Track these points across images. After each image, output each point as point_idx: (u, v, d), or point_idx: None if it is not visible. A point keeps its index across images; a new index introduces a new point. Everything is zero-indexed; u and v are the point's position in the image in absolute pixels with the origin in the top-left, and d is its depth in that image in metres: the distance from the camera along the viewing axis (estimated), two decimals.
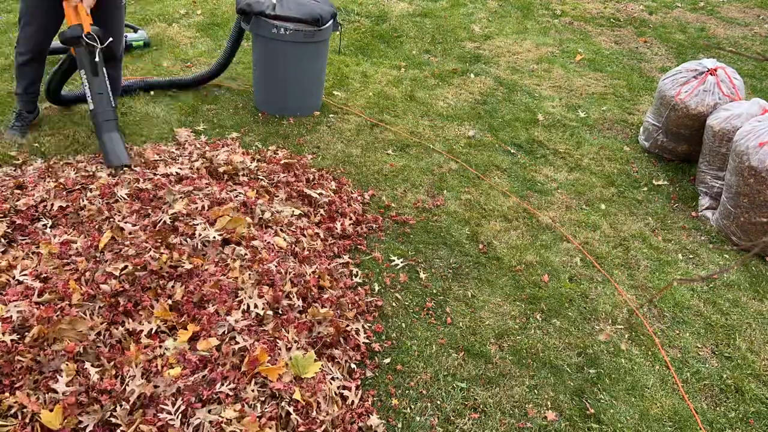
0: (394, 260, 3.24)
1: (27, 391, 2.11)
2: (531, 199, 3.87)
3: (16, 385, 2.13)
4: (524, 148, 4.42)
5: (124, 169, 3.28)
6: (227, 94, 4.60)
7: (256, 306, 2.54)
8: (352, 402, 2.41)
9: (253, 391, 2.18)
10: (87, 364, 2.22)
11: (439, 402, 2.55)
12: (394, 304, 3.00)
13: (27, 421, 2.06)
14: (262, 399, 2.19)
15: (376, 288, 3.06)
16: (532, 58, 5.80)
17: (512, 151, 4.37)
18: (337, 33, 4.67)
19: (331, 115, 4.50)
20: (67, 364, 2.20)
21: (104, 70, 3.43)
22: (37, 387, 2.15)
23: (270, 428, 2.07)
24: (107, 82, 3.44)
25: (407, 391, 2.58)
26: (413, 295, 3.07)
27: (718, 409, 2.69)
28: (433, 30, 6.18)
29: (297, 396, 2.20)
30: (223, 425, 2.04)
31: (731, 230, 3.67)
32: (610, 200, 3.98)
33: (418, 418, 2.47)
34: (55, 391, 2.13)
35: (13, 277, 2.50)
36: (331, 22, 4.13)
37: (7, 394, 2.10)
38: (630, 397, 2.69)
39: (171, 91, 4.50)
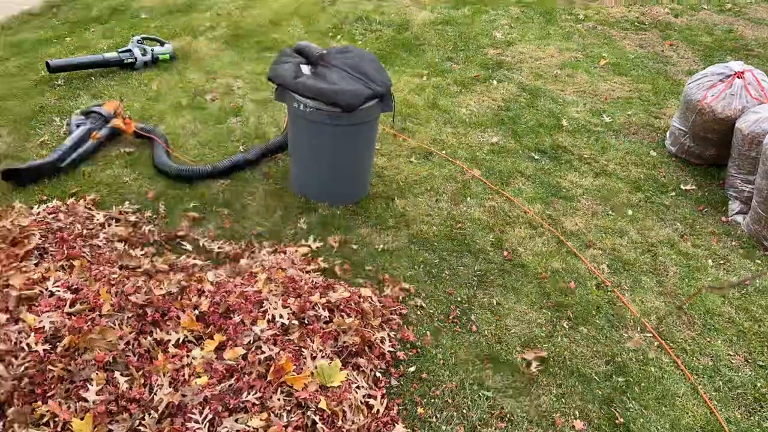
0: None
1: (59, 400, 2.16)
2: (556, 206, 3.84)
3: (49, 394, 2.18)
4: (548, 154, 4.38)
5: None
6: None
7: (281, 316, 2.56)
8: (378, 411, 2.41)
9: (279, 400, 2.20)
10: (116, 374, 2.26)
11: (465, 411, 2.53)
12: (418, 312, 2.99)
13: (59, 429, 2.10)
14: (288, 408, 2.20)
15: (401, 296, 3.06)
16: (555, 64, 5.76)
17: (536, 157, 4.33)
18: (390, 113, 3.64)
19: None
20: (97, 374, 2.24)
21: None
22: (68, 396, 2.20)
23: None
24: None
25: (433, 400, 2.57)
26: (437, 302, 3.06)
27: (752, 418, 2.63)
28: (455, 38, 6.18)
29: (323, 405, 2.21)
30: None
31: (763, 235, 3.59)
32: (637, 206, 3.92)
33: (444, 427, 2.46)
34: (86, 400, 2.17)
35: (46, 288, 2.56)
36: (373, 103, 3.33)
37: (39, 403, 2.15)
38: (660, 407, 2.64)
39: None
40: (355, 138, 3.51)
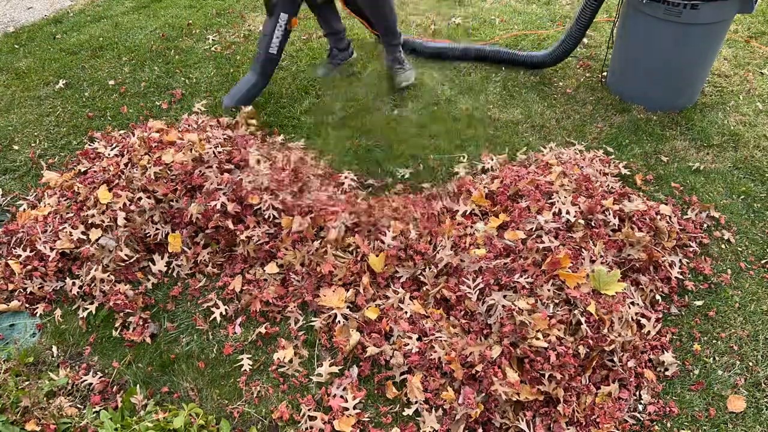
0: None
1: (364, 237, 2.52)
2: None
3: (356, 230, 2.56)
4: None
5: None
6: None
7: (567, 212, 2.51)
8: (648, 332, 2.29)
9: (549, 290, 2.22)
10: (410, 226, 2.52)
11: (751, 364, 2.25)
12: (723, 246, 2.65)
13: (358, 259, 2.48)
14: (556, 301, 2.21)
15: (706, 224, 2.73)
16: None
17: None
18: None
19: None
20: (394, 223, 2.53)
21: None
22: (370, 235, 2.54)
23: (558, 330, 2.11)
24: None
25: (714, 342, 2.33)
26: (750, 241, 2.66)
27: None
28: None
29: (591, 309, 2.17)
30: (514, 313, 2.14)
31: None
32: None
33: (720, 372, 2.23)
34: (383, 242, 2.49)
35: None
36: None
37: (349, 233, 2.55)
38: None
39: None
40: (697, 40, 3.05)
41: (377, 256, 2.43)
